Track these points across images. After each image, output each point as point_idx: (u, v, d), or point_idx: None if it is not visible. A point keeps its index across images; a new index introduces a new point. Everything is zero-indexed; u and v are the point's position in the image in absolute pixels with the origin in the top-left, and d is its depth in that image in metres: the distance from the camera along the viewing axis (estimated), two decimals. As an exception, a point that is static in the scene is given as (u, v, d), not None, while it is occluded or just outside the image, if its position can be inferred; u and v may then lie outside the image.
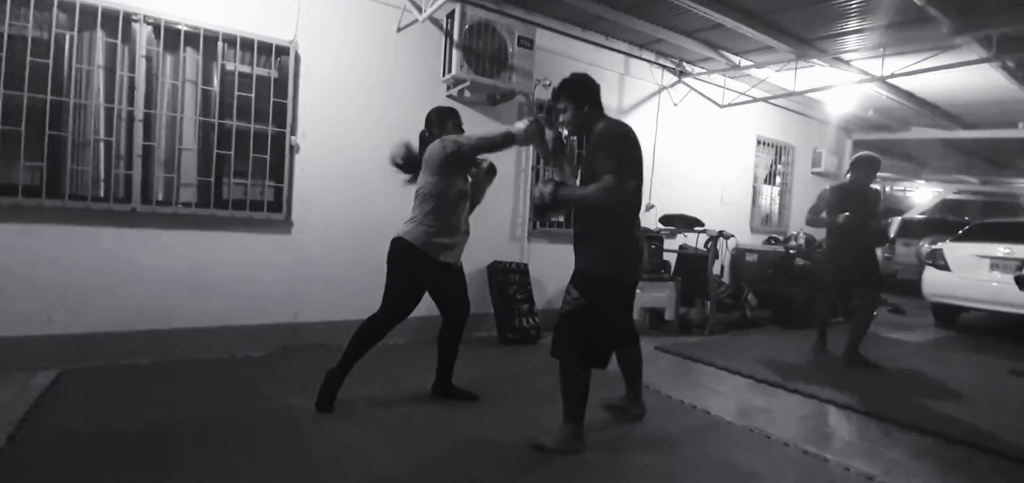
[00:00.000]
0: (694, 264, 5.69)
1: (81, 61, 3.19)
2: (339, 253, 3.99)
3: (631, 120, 5.62)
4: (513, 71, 4.25)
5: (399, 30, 4.12)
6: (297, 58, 3.77)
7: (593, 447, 2.57)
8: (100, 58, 3.22)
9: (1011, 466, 2.66)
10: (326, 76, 3.87)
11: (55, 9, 3.05)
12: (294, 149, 3.81)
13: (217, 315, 3.62)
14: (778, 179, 7.58)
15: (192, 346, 3.51)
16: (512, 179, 4.84)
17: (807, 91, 5.83)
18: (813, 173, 7.79)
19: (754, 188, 7.12)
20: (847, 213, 4.15)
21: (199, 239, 3.56)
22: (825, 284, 4.77)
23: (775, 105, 6.85)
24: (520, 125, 2.71)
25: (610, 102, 5.46)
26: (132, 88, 3.31)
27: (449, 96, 4.41)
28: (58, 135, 3.12)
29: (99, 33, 3.19)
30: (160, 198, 3.45)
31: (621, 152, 2.35)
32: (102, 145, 3.26)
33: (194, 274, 3.55)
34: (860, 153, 4.48)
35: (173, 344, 3.46)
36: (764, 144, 7.15)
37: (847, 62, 5.34)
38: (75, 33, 3.15)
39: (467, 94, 4.43)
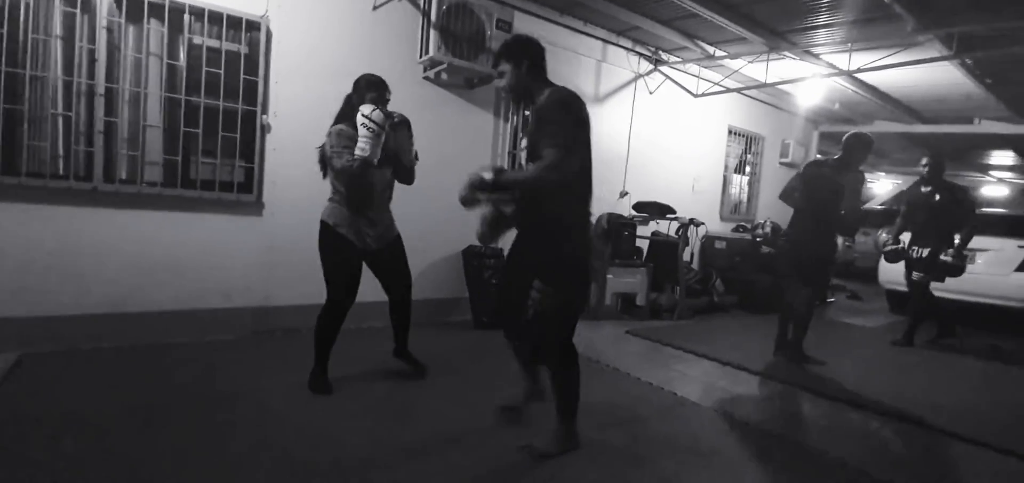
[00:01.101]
0: (665, 250, 5.81)
1: (37, 31, 3.02)
2: (311, 236, 3.90)
3: (608, 107, 5.69)
4: (491, 54, 4.21)
5: (375, 8, 4.04)
6: (269, 34, 3.65)
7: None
8: (58, 27, 3.06)
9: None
10: (299, 53, 3.78)
11: (7, -27, 2.89)
12: (265, 129, 3.71)
13: (185, 298, 3.54)
14: (748, 169, 7.76)
15: (158, 330, 3.43)
16: (489, 162, 4.83)
17: (778, 83, 5.96)
18: (781, 163, 8.00)
19: (725, 177, 7.28)
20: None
21: (166, 220, 3.45)
22: (785, 273, 4.20)
23: (747, 96, 6.99)
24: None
25: (587, 88, 5.49)
26: (93, 60, 3.16)
27: (426, 78, 4.36)
28: (13, 109, 2.97)
29: (56, 1, 3.04)
30: (123, 177, 3.33)
31: (564, 123, 2.08)
32: (61, 120, 3.12)
33: (160, 256, 3.45)
34: (851, 132, 4.06)
35: (139, 328, 3.37)
36: (735, 134, 7.30)
37: (816, 56, 5.48)
38: (31, 0, 2.99)
39: (444, 77, 4.38)
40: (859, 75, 5.65)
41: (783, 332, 4.25)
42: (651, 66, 6.00)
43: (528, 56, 2.22)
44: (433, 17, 3.95)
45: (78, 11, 3.09)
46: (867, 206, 10.12)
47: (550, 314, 2.19)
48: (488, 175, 2.14)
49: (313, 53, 3.83)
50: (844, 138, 4.05)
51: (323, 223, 2.83)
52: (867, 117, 8.06)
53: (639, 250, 5.74)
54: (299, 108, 3.81)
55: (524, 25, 4.76)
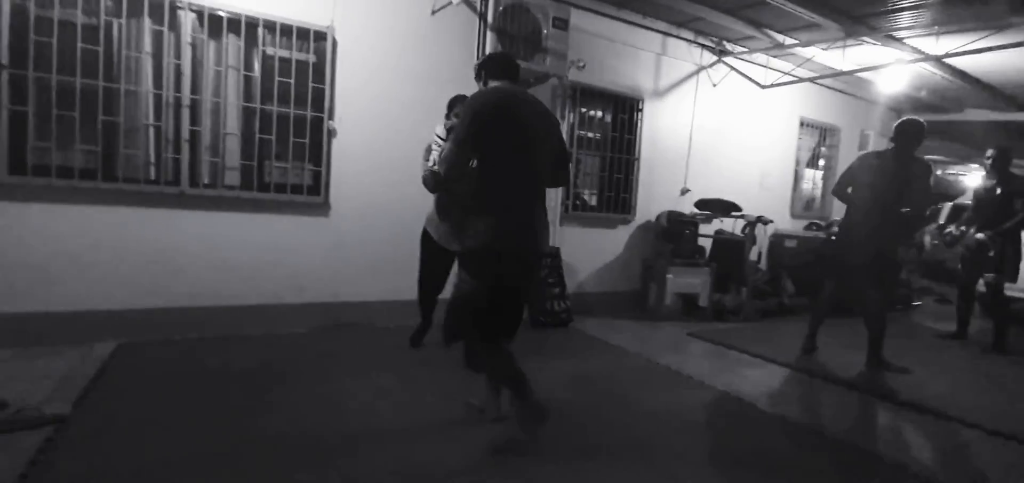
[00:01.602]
0: (730, 249, 5.56)
1: (130, 48, 3.31)
2: (374, 234, 4.07)
3: (668, 101, 5.52)
4: (547, 53, 4.19)
5: (433, 13, 4.12)
6: (334, 43, 3.81)
7: (624, 430, 2.58)
8: (148, 45, 3.33)
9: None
10: (362, 60, 3.91)
11: (106, -2, 3.17)
12: (331, 133, 3.88)
13: (261, 293, 3.76)
14: (822, 162, 7.30)
15: (238, 322, 3.66)
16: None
17: (856, 70, 5.56)
18: (870, 151, 7.46)
19: (796, 172, 6.89)
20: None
21: (243, 221, 3.69)
22: (835, 270, 4.03)
23: (821, 85, 6.56)
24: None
25: (646, 83, 5.36)
26: (178, 74, 3.42)
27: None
28: (111, 120, 3.27)
29: (146, 21, 3.30)
30: (206, 181, 3.58)
31: (463, 119, 2.18)
32: (152, 130, 3.39)
33: (239, 254, 3.68)
34: (902, 118, 3.83)
35: (221, 320, 3.61)
36: (808, 126, 6.88)
37: (899, 40, 5.06)
38: (123, 20, 3.26)
39: (501, 77, 4.40)
40: (948, 60, 5.17)
41: (813, 333, 4.15)
42: (714, 58, 5.76)
43: (483, 69, 2.41)
44: (489, 19, 3.98)
45: (165, 29, 3.35)
46: (958, 201, 9.25)
47: (456, 299, 2.31)
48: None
49: (374, 59, 3.97)
50: (895, 125, 3.80)
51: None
52: (957, 104, 7.37)
53: (701, 249, 5.53)
54: (362, 113, 3.96)
55: (581, 21, 4.71)
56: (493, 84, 2.32)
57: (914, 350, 4.39)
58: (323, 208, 3.92)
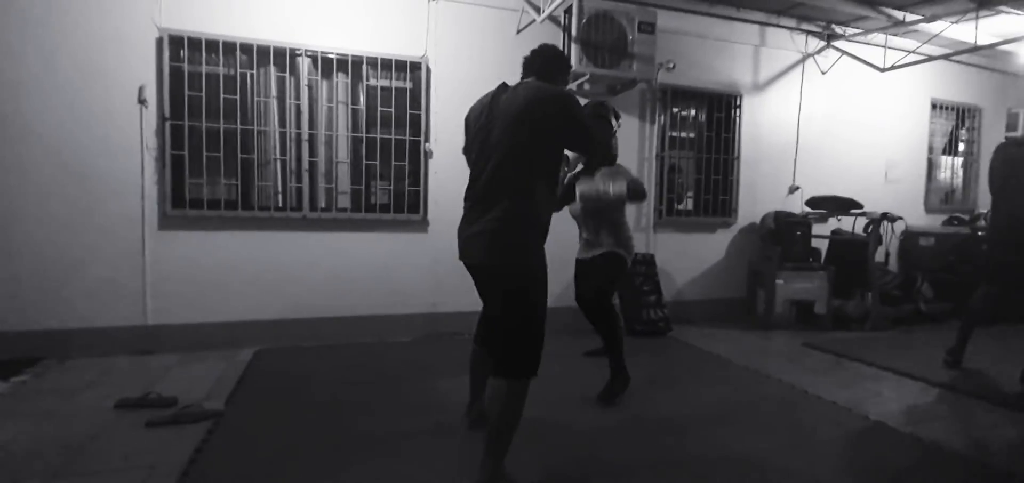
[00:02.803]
0: (851, 251, 5.06)
1: (259, 94, 3.81)
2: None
3: (770, 94, 5.21)
4: (634, 59, 4.15)
5: (518, 32, 4.27)
6: (428, 71, 4.09)
7: (720, 447, 2.46)
8: (273, 89, 3.82)
9: None
10: (454, 85, 4.15)
11: (238, 51, 3.69)
12: (428, 155, 4.15)
13: (370, 305, 4.10)
14: (961, 148, 6.40)
15: (352, 331, 4.02)
16: (635, 167, 4.74)
17: (996, 43, 4.83)
18: (1008, 138, 6.43)
19: (929, 160, 6.10)
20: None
21: (354, 239, 4.05)
22: (989, 272, 3.60)
23: (955, 62, 5.78)
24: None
25: (743, 78, 5.09)
26: (298, 112, 3.87)
27: (569, 90, 4.45)
28: (247, 157, 3.78)
29: (272, 69, 3.79)
30: (323, 205, 3.99)
31: None
32: (278, 163, 3.87)
33: (351, 269, 4.05)
34: None
35: (337, 329, 3.99)
36: (941, 108, 6.08)
37: (1052, 0, 4.34)
38: (254, 70, 3.78)
39: (587, 87, 4.43)
40: None
41: (961, 344, 3.64)
42: (822, 43, 5.32)
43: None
44: (574, 31, 4.03)
45: (287, 74, 3.82)
46: None
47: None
48: None
49: (466, 83, 4.18)
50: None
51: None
52: None
53: (816, 251, 5.09)
54: (455, 134, 4.15)
55: (670, 22, 4.61)
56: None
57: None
58: (422, 225, 4.19)
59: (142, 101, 3.53)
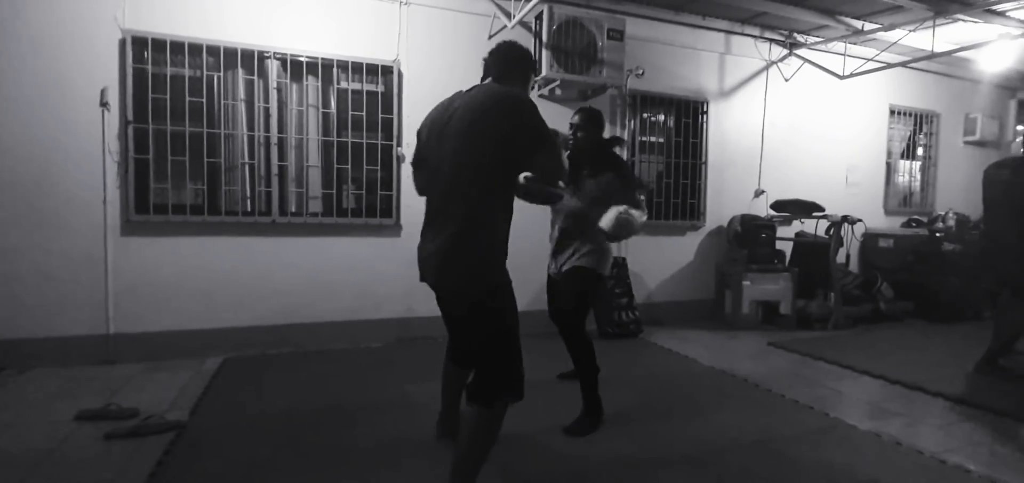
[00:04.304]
0: (814, 252, 5.23)
1: (227, 97, 3.75)
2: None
3: (735, 101, 5.34)
4: (603, 65, 4.22)
5: (490, 37, 4.30)
6: (400, 75, 4.09)
7: (691, 445, 2.52)
8: (242, 92, 3.77)
9: None
10: (426, 89, 4.15)
11: (205, 53, 3.63)
12: (400, 159, 4.14)
13: (342, 311, 4.06)
14: (919, 152, 6.66)
15: (324, 337, 3.98)
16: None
17: (952, 51, 5.05)
18: (966, 143, 6.74)
19: (888, 165, 6.33)
20: None
21: (326, 244, 4.02)
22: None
23: (913, 68, 6.02)
24: None
25: (709, 85, 5.21)
26: (267, 116, 3.83)
27: (541, 95, 4.51)
28: (214, 161, 3.72)
29: (240, 71, 3.74)
30: (293, 210, 3.95)
31: None
32: (247, 167, 3.82)
33: (322, 274, 4.02)
34: None
35: (308, 336, 3.95)
36: (899, 114, 6.32)
37: (1001, 14, 4.56)
38: (221, 73, 3.72)
39: (558, 92, 4.48)
40: (1069, 26, 4.57)
41: (1001, 350, 3.61)
42: (785, 51, 5.49)
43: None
44: (544, 37, 4.08)
45: (256, 77, 3.77)
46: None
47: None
48: None
49: (438, 87, 4.14)
50: None
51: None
52: (1091, 75, 6.46)
53: (780, 253, 5.24)
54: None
55: (638, 29, 4.70)
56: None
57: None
58: (395, 229, 4.18)
59: (104, 104, 3.44)
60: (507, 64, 1.98)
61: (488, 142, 1.74)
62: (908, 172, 6.65)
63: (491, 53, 2.00)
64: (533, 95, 4.49)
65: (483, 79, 2.00)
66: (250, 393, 3.07)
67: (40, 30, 3.32)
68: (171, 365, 3.48)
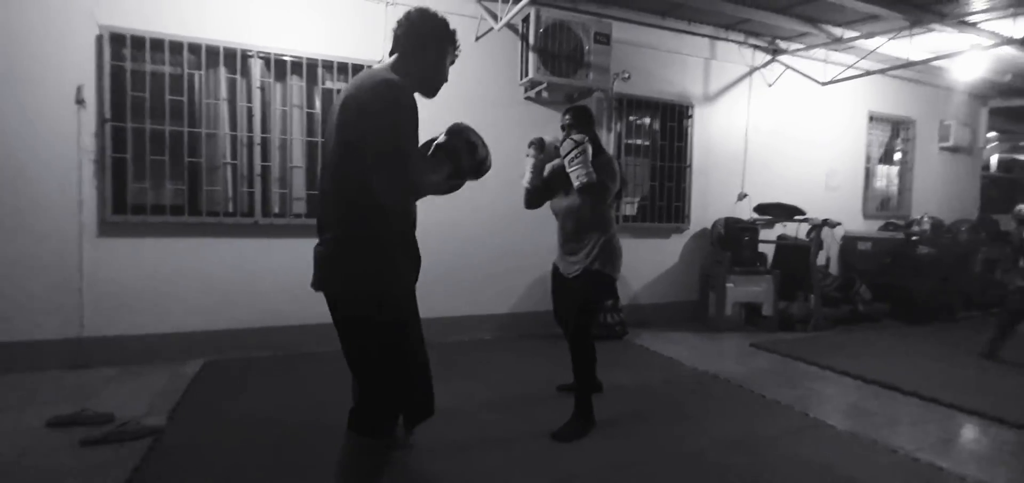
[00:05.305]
0: (795, 255, 5.31)
1: (209, 96, 3.69)
2: (425, 259, 4.23)
3: (720, 105, 5.41)
4: (590, 68, 4.24)
5: (477, 39, 4.29)
6: (386, 75, 4.06)
7: (673, 444, 2.54)
8: (224, 91, 3.70)
9: None
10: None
11: (185, 51, 3.56)
12: (386, 160, 4.10)
13: (327, 313, 3.96)
14: (897, 157, 6.81)
15: (307, 340, 3.91)
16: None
17: (928, 60, 5.18)
18: (942, 148, 6.91)
19: (867, 169, 6.47)
20: None
21: (309, 246, 3.90)
22: None
23: (892, 76, 6.16)
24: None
25: (694, 89, 5.27)
26: (250, 116, 3.76)
27: (527, 98, 4.51)
28: (195, 161, 3.64)
29: (222, 70, 3.68)
30: (276, 211, 3.89)
31: None
32: (229, 168, 3.75)
33: (306, 276, 3.88)
34: None
35: (289, 339, 3.89)
36: (878, 120, 6.47)
37: (973, 25, 4.69)
38: (203, 71, 3.65)
39: (545, 95, 4.49)
40: (1034, 40, 4.72)
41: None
42: (768, 57, 5.57)
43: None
44: (531, 40, 4.09)
45: (238, 76, 3.71)
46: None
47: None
48: None
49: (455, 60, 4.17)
50: None
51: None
52: (1057, 84, 6.67)
53: (763, 256, 5.32)
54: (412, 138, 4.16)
55: (625, 33, 4.73)
56: None
57: None
58: (380, 231, 4.14)
59: (80, 101, 3.35)
60: (418, 36, 1.71)
61: (357, 133, 1.55)
62: (886, 177, 6.80)
63: (399, 23, 1.72)
64: (520, 98, 4.50)
65: (390, 53, 1.75)
66: (231, 398, 3.01)
67: (13, 23, 3.22)
68: (149, 370, 3.39)
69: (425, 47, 1.73)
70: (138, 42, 3.46)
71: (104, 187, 3.43)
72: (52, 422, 2.55)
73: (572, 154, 2.49)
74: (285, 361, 3.67)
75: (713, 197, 5.44)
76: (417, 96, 1.67)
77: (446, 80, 1.83)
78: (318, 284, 1.69)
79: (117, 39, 3.41)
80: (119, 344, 3.50)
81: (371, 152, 1.52)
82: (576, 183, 2.48)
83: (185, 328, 3.66)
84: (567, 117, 2.74)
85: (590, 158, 2.51)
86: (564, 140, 2.55)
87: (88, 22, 3.36)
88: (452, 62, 1.81)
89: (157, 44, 3.49)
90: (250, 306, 3.82)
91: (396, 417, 1.66)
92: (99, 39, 3.37)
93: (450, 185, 1.83)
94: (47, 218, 3.35)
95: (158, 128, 3.53)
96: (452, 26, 1.79)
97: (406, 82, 1.63)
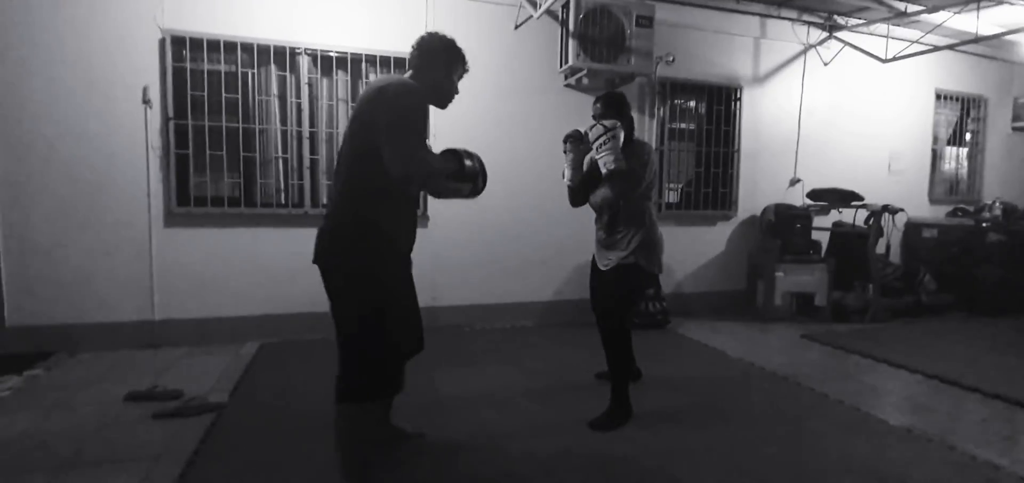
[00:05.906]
0: (852, 243, 5.06)
1: (261, 93, 3.87)
2: (468, 245, 4.32)
3: (771, 87, 5.20)
4: (632, 53, 4.17)
5: (516, 27, 4.29)
6: (428, 67, 4.13)
7: (712, 436, 2.50)
8: (275, 88, 3.88)
9: None
10: (453, 80, 4.19)
11: (239, 50, 3.75)
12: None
13: (371, 300, 4.15)
14: (967, 138, 6.34)
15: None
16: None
17: (997, 35, 4.78)
18: (1014, 128, 6.37)
19: (934, 151, 6.06)
20: None
21: (354, 235, 4.10)
22: None
23: (958, 51, 5.72)
24: None
25: (743, 70, 5.08)
26: (299, 111, 3.93)
27: (567, 85, 4.48)
28: (249, 155, 3.84)
29: (272, 68, 3.85)
30: (324, 202, 4.05)
31: None
32: (280, 161, 3.93)
33: (352, 265, 4.10)
34: None
35: (338, 325, 4.06)
36: (946, 99, 6.03)
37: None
38: (255, 69, 3.83)
39: (585, 82, 4.44)
40: None
41: None
42: (824, 34, 5.29)
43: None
44: (571, 26, 4.05)
45: (288, 73, 3.87)
46: None
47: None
48: None
49: (464, 78, 4.21)
50: None
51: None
52: None
53: (816, 244, 5.10)
54: (454, 128, 4.22)
55: (669, 15, 4.61)
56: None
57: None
58: (422, 219, 4.24)
59: (146, 101, 3.60)
60: (429, 52, 1.99)
61: (369, 132, 1.79)
62: (955, 159, 6.35)
63: (412, 47, 2.01)
64: (560, 86, 4.47)
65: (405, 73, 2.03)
66: (285, 376, 3.19)
67: (84, 32, 3.48)
68: (212, 350, 3.64)
69: (434, 62, 1.99)
70: (196, 44, 3.67)
71: (169, 181, 3.68)
72: (129, 397, 2.79)
73: (601, 139, 2.45)
74: (332, 344, 3.80)
75: (762, 183, 5.25)
76: (461, 85, 2.04)
77: (457, 93, 2.09)
78: (314, 257, 1.92)
79: (178, 41, 3.63)
80: (185, 326, 3.77)
81: (383, 123, 1.74)
82: (603, 170, 2.46)
83: (242, 312, 3.89)
84: (598, 105, 2.68)
85: (620, 144, 2.47)
86: (593, 127, 2.52)
87: (151, 27, 3.59)
88: (460, 77, 2.08)
89: (214, 45, 3.69)
90: (301, 292, 4.01)
91: (373, 391, 1.87)
92: (162, 42, 3.60)
93: (450, 186, 2.02)
94: (121, 210, 3.63)
95: (216, 125, 3.74)
96: (460, 47, 2.08)
97: (421, 90, 1.89)
